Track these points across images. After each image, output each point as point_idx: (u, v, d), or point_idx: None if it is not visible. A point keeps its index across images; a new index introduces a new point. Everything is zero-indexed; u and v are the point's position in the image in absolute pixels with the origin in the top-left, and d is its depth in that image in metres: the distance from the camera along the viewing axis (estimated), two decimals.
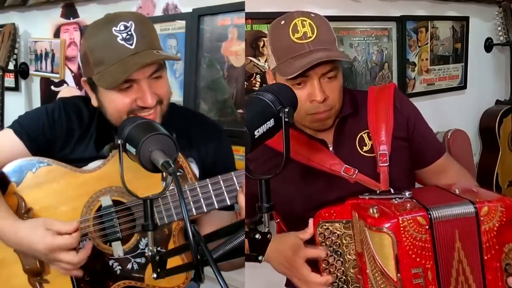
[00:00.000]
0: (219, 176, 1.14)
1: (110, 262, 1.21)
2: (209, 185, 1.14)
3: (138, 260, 1.20)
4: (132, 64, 1.14)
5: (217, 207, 1.15)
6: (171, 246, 1.20)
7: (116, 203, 1.20)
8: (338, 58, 1.26)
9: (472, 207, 1.09)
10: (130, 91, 1.19)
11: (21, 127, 1.27)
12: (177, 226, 1.20)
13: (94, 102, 1.27)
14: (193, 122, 1.37)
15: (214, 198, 1.14)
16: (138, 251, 1.20)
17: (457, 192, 1.17)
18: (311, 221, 1.22)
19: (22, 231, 1.15)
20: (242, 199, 1.12)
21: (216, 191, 1.14)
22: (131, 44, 1.16)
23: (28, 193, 1.22)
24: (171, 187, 1.14)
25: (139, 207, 1.16)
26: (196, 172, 1.27)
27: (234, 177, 1.13)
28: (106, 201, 1.19)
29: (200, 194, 1.15)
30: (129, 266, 1.20)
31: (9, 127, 1.29)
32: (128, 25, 1.17)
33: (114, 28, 1.17)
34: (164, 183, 1.15)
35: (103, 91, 1.21)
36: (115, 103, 1.20)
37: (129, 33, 1.16)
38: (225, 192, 1.14)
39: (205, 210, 1.15)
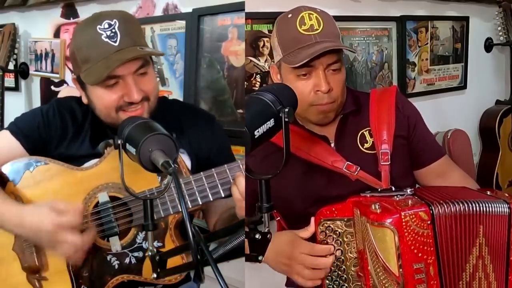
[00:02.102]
0: (213, 169, 1.17)
1: (108, 257, 1.22)
2: (203, 178, 1.17)
3: (136, 254, 1.22)
4: (115, 60, 1.18)
5: (211, 199, 1.17)
6: (167, 239, 1.22)
7: (113, 199, 1.22)
8: (345, 48, 1.30)
9: (507, 207, 1.11)
10: (117, 87, 1.22)
11: (17, 128, 1.31)
12: (173, 220, 1.21)
13: (84, 100, 1.31)
14: (185, 113, 1.40)
15: (209, 191, 1.17)
16: (136, 245, 1.22)
17: (488, 193, 1.19)
18: (312, 219, 1.23)
19: (26, 212, 1.17)
20: (235, 191, 1.13)
21: (210, 184, 1.17)
22: (115, 42, 1.20)
23: (25, 192, 1.24)
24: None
25: (136, 202, 1.19)
26: (188, 163, 1.29)
27: (227, 170, 1.15)
28: (103, 197, 1.21)
29: (195, 188, 1.17)
30: (127, 260, 1.22)
31: (6, 128, 1.33)
32: (112, 23, 1.21)
33: (98, 26, 1.21)
34: (160, 177, 1.19)
35: (91, 88, 1.25)
36: (103, 100, 1.24)
37: (113, 30, 1.20)
38: (219, 185, 1.16)
39: (200, 203, 1.17)
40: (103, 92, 1.23)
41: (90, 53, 1.21)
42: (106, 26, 1.21)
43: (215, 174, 1.16)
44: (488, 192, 1.20)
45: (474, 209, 1.11)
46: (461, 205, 1.12)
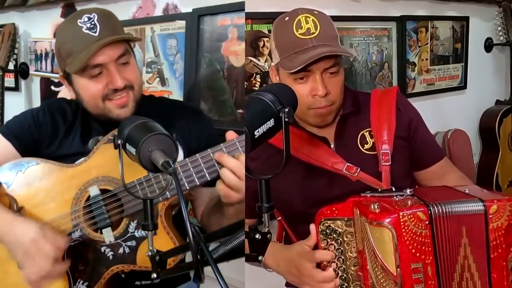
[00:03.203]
0: (197, 154, 1.19)
1: (102, 249, 1.24)
2: (189, 163, 1.19)
3: (129, 243, 1.23)
4: (94, 46, 1.23)
5: (198, 183, 1.19)
6: (159, 225, 1.22)
7: (103, 191, 1.24)
8: (341, 53, 1.28)
9: (481, 205, 1.10)
10: (101, 77, 1.28)
11: (9, 130, 1.36)
12: (163, 206, 1.22)
13: (72, 95, 1.36)
14: (174, 108, 1.45)
15: (195, 175, 1.19)
16: (128, 235, 1.23)
17: (467, 191, 1.18)
18: (312, 228, 1.22)
19: (16, 222, 1.19)
20: (223, 173, 1.13)
21: (196, 169, 1.18)
22: (95, 32, 1.26)
23: (19, 193, 1.26)
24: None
25: (125, 192, 1.21)
26: (181, 153, 1.31)
27: (211, 154, 1.18)
28: (93, 190, 1.24)
29: (181, 173, 1.19)
30: (121, 250, 1.23)
31: None
32: (91, 16, 1.28)
33: (79, 20, 1.27)
34: None
35: (77, 80, 1.30)
36: (89, 90, 1.30)
37: (93, 23, 1.27)
38: (204, 169, 1.18)
39: (188, 188, 1.19)
40: (88, 82, 1.28)
41: (72, 46, 1.27)
42: (86, 19, 1.27)
43: (199, 159, 1.18)
44: (467, 190, 1.18)
45: (453, 210, 1.10)
46: (458, 205, 1.11)
